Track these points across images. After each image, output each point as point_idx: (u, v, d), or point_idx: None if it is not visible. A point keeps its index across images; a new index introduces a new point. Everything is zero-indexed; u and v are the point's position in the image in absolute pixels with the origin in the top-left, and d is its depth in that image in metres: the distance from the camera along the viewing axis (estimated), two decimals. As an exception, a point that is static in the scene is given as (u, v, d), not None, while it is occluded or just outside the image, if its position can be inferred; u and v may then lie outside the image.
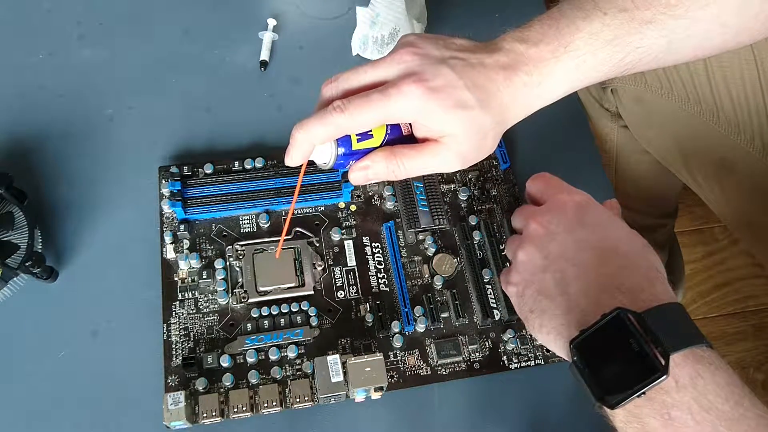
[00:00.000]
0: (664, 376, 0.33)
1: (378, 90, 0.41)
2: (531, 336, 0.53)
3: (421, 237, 0.57)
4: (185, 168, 0.58)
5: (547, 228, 0.42)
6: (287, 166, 0.58)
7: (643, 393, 0.33)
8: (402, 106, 0.41)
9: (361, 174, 0.44)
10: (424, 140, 0.43)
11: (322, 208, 0.57)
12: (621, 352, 0.35)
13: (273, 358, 0.50)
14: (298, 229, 0.56)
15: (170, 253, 0.54)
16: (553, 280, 0.40)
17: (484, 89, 0.41)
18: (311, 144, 0.43)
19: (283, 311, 0.52)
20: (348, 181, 0.57)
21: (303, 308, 0.53)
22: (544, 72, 0.42)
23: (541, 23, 0.43)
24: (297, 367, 0.51)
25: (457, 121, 0.41)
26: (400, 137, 0.44)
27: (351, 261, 0.55)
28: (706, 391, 0.33)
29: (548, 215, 0.43)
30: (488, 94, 0.42)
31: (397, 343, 0.52)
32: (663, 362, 0.33)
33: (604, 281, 0.38)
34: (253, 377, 0.49)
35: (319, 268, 0.55)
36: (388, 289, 0.54)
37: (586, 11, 0.42)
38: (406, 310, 0.53)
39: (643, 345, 0.34)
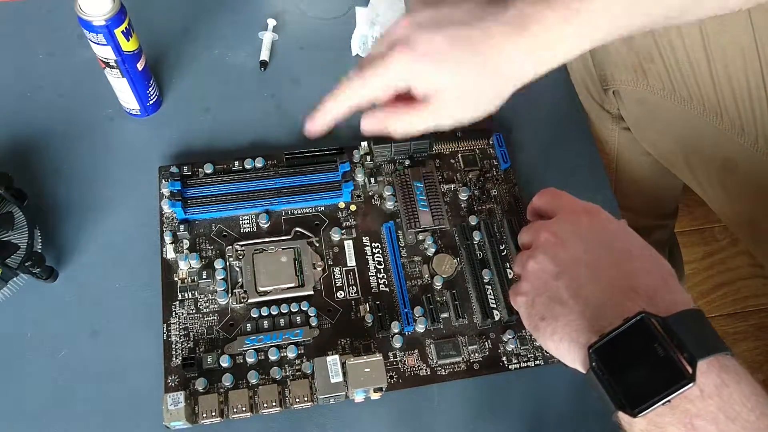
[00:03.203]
0: (692, 384, 0.32)
1: (369, 60, 0.44)
2: (531, 336, 0.53)
3: (421, 237, 0.57)
4: (185, 168, 0.58)
5: (558, 236, 0.42)
6: (287, 166, 0.58)
7: (668, 401, 0.32)
8: (393, 74, 0.43)
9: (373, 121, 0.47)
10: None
11: (322, 208, 0.57)
12: (645, 358, 0.33)
13: (272, 358, 0.50)
14: (298, 229, 0.56)
15: (170, 253, 0.54)
16: (565, 285, 0.40)
17: (483, 55, 0.42)
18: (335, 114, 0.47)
19: (283, 311, 0.52)
20: (348, 181, 0.57)
21: (303, 308, 0.53)
22: (552, 36, 0.42)
23: None
24: (296, 368, 0.51)
25: (444, 76, 0.43)
26: None
27: (351, 261, 0.55)
28: (732, 401, 0.32)
29: (558, 224, 0.43)
30: (487, 59, 0.42)
31: (397, 343, 0.52)
32: (690, 369, 0.32)
33: (619, 283, 0.38)
34: (252, 377, 0.49)
35: (319, 268, 0.55)
36: (387, 289, 0.54)
37: None
38: (406, 310, 0.53)
39: (669, 351, 0.33)
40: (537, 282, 0.42)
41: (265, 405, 0.48)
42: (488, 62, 0.42)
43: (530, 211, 0.49)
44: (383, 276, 0.55)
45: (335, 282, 0.54)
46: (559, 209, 0.45)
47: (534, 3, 0.42)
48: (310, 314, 0.52)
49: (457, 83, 0.43)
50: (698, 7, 0.45)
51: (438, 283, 0.54)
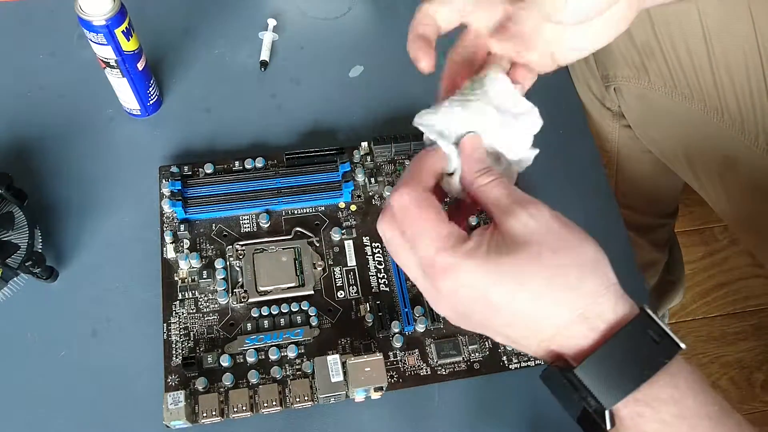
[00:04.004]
0: (609, 427, 0.33)
1: None
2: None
3: (421, 237, 0.57)
4: (185, 168, 0.58)
5: (447, 312, 0.36)
6: (287, 166, 0.58)
7: None
8: None
9: None
10: None
11: (322, 208, 0.58)
12: (569, 402, 0.35)
13: (273, 357, 0.50)
14: (298, 229, 0.56)
15: (170, 253, 0.54)
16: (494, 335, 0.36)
17: None
18: None
19: (283, 311, 0.52)
20: (348, 181, 0.57)
21: (303, 308, 0.53)
22: None
23: None
24: (297, 367, 0.51)
25: None
26: None
27: (351, 261, 0.55)
28: (649, 429, 0.33)
29: (441, 302, 0.36)
30: None
31: (397, 343, 0.52)
32: (602, 417, 0.33)
33: (537, 346, 0.35)
34: (252, 377, 0.49)
35: (319, 268, 0.55)
36: (388, 289, 0.54)
37: None
38: (406, 310, 0.53)
39: (583, 399, 0.33)
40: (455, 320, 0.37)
41: (265, 404, 0.48)
42: None
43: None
44: (383, 276, 0.55)
45: (335, 282, 0.54)
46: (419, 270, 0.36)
47: None
48: (311, 314, 0.52)
49: None
50: None
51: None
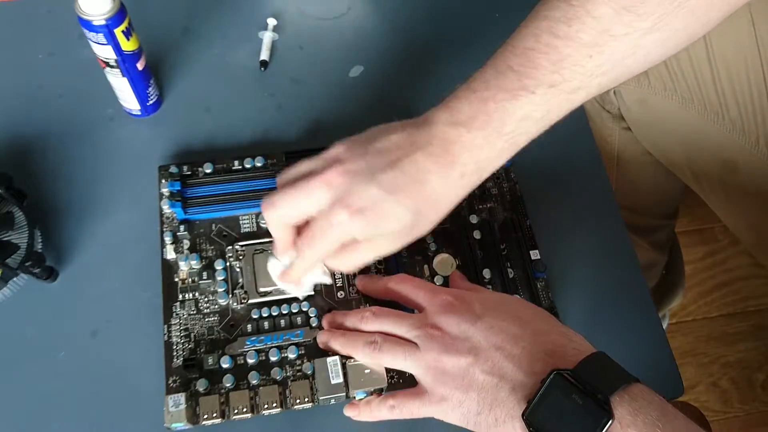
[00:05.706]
0: (611, 420, 0.35)
1: (316, 226, 0.45)
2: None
3: (421, 237, 0.57)
4: (185, 168, 0.58)
5: (451, 330, 0.44)
6: (287, 166, 0.58)
7: None
8: (339, 236, 0.44)
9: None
10: None
11: (323, 209, 0.57)
12: (569, 410, 0.36)
13: (273, 359, 0.50)
14: (298, 229, 0.56)
15: (170, 254, 0.54)
16: (486, 373, 0.41)
17: (418, 194, 0.43)
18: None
19: (284, 312, 0.52)
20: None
21: (303, 309, 0.53)
22: (480, 158, 0.43)
23: (469, 104, 0.42)
24: (297, 368, 0.51)
25: (382, 226, 0.44)
26: None
27: (351, 261, 0.55)
28: (648, 422, 0.35)
29: (443, 317, 0.45)
30: (422, 197, 0.43)
31: (398, 343, 0.51)
32: (606, 408, 0.35)
33: (530, 351, 0.40)
34: (253, 378, 0.49)
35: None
36: (388, 289, 0.54)
37: (512, 93, 0.41)
38: (407, 310, 0.53)
39: (584, 397, 0.36)
40: (458, 380, 0.42)
41: (265, 406, 0.48)
42: (423, 201, 0.43)
43: (382, 292, 0.51)
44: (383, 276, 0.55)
45: (336, 282, 0.54)
46: (425, 300, 0.47)
47: (455, 124, 0.42)
48: (311, 315, 0.52)
49: (394, 227, 0.44)
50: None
51: (438, 283, 0.54)
